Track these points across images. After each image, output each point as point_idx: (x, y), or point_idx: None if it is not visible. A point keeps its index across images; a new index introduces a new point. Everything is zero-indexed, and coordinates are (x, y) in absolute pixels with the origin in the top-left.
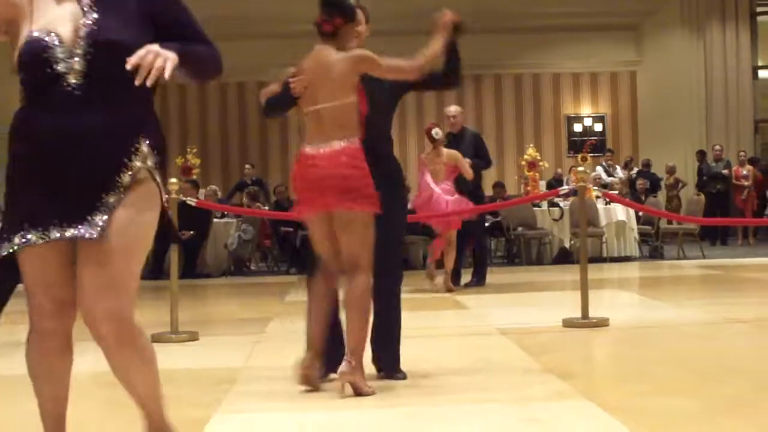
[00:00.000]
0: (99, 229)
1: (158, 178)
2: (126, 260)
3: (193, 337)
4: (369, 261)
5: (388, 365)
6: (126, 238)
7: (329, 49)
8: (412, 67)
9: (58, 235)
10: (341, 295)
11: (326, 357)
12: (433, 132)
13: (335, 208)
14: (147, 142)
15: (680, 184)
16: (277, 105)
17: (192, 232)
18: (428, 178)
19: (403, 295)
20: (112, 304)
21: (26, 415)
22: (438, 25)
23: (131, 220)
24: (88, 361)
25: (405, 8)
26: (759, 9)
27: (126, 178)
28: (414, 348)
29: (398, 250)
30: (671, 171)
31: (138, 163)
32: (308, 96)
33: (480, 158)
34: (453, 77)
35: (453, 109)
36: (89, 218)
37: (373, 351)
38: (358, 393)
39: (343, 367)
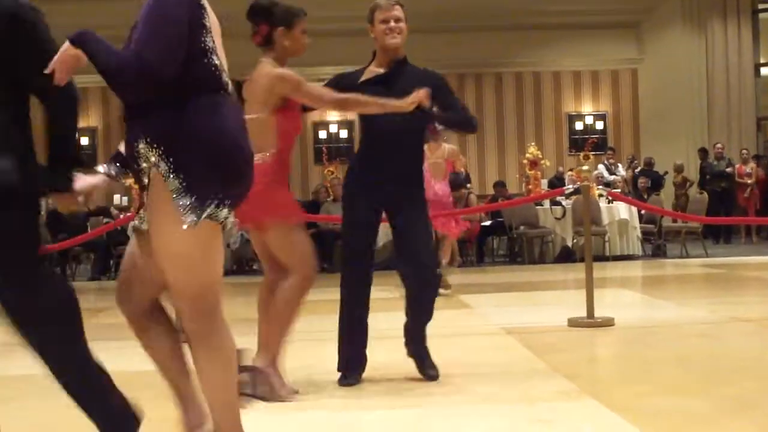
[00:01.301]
0: None
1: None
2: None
3: None
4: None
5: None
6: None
7: (263, 62)
8: (331, 99)
9: None
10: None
11: (353, 359)
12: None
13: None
14: (147, 139)
15: (688, 183)
16: None
17: None
18: (428, 175)
19: (400, 294)
20: None
21: (28, 414)
22: (411, 96)
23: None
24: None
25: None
26: (761, 5)
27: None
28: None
29: None
30: (679, 170)
31: (143, 164)
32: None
33: None
34: (463, 128)
35: None
36: None
37: None
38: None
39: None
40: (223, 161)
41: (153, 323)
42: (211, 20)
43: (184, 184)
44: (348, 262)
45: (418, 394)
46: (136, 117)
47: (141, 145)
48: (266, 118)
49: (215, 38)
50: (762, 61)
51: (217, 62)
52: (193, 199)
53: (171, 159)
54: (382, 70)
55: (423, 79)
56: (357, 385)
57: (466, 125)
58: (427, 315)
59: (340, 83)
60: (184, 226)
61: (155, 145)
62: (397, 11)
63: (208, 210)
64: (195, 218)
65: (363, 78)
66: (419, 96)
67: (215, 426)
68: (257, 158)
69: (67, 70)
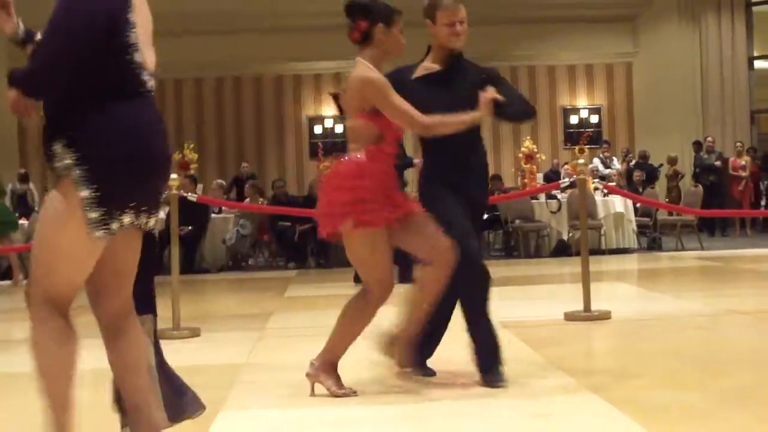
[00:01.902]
0: None
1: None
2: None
3: (194, 333)
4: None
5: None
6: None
7: (360, 62)
8: (419, 124)
9: None
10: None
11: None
12: None
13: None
14: (64, 142)
15: (679, 176)
16: None
17: (190, 227)
18: None
19: (399, 288)
20: None
21: (23, 411)
22: (480, 102)
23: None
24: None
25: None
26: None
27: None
28: None
29: None
30: (672, 162)
31: (57, 165)
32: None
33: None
34: (526, 118)
35: None
36: None
37: None
38: (331, 393)
39: (308, 368)
40: (136, 172)
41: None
42: (141, 15)
43: (96, 194)
44: (470, 266)
45: (415, 390)
46: (53, 116)
47: (57, 147)
48: (363, 124)
49: (142, 34)
50: (756, 54)
51: (138, 60)
52: (102, 212)
53: (86, 167)
54: (437, 67)
55: (479, 73)
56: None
57: (527, 115)
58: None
59: (394, 80)
60: (90, 237)
61: (72, 149)
62: (462, 12)
63: (114, 223)
64: (102, 233)
65: (417, 74)
66: (488, 101)
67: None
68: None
69: (22, 111)
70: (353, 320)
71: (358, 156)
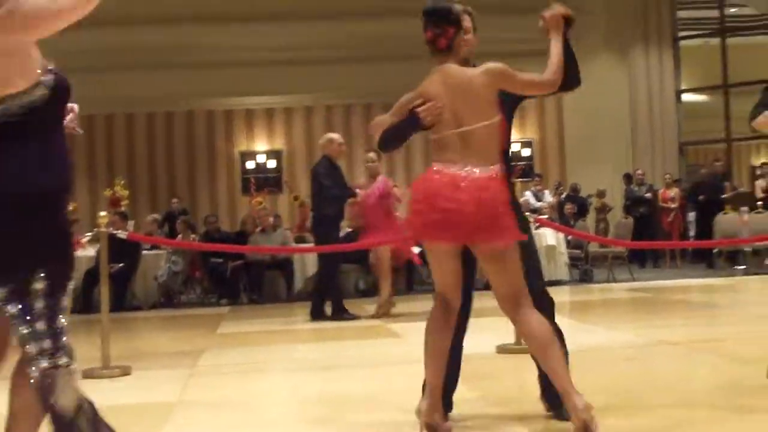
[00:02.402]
0: None
1: None
2: None
3: (125, 371)
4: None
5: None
6: None
7: (454, 66)
8: (548, 81)
9: None
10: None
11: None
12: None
13: (491, 240)
14: None
15: (607, 208)
16: (398, 137)
17: (122, 264)
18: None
19: (336, 324)
20: None
21: None
22: (550, 23)
23: None
24: None
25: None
26: (681, 33)
27: None
28: (347, 379)
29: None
30: (601, 195)
31: None
32: (447, 120)
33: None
34: (573, 78)
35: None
36: None
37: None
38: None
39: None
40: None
41: None
42: None
43: None
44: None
45: (348, 427)
46: None
47: None
48: (498, 122)
49: None
50: (683, 87)
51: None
52: None
53: None
54: None
55: None
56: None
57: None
58: None
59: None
60: None
61: None
62: (467, 22)
63: None
64: None
65: None
66: (557, 13)
67: None
68: (495, 168)
69: None
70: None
71: (496, 169)
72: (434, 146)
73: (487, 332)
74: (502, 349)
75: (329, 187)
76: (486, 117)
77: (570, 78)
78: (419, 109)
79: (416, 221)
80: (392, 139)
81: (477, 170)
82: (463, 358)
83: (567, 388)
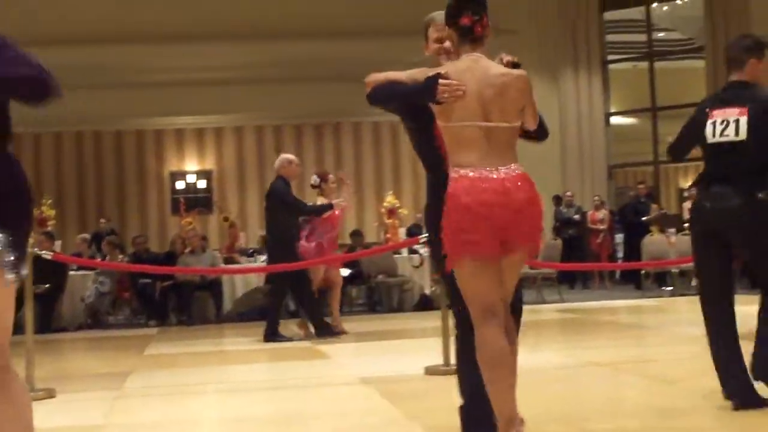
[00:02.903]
0: None
1: None
2: None
3: (50, 394)
4: None
5: None
6: None
7: (488, 60)
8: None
9: None
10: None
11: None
12: (313, 179)
13: (527, 243)
14: None
15: None
16: (397, 96)
17: (48, 285)
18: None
19: (266, 346)
20: None
21: None
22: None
23: None
24: None
25: (270, 57)
26: (610, 57)
27: None
28: (277, 400)
29: None
30: None
31: None
32: (464, 109)
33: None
34: (544, 131)
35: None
36: None
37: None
38: None
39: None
40: (29, 214)
41: None
42: None
43: (9, 239)
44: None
45: None
46: None
47: None
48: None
49: None
50: (612, 110)
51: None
52: (16, 255)
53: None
54: None
55: None
56: None
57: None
58: None
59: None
60: (8, 283)
61: None
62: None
63: (24, 265)
64: (15, 275)
65: None
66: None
67: None
68: (520, 167)
69: None
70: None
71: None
72: (451, 139)
73: (417, 353)
74: (431, 370)
75: (297, 203)
76: (512, 120)
77: (544, 130)
78: (442, 81)
79: (474, 238)
80: (388, 95)
81: (507, 169)
82: (393, 379)
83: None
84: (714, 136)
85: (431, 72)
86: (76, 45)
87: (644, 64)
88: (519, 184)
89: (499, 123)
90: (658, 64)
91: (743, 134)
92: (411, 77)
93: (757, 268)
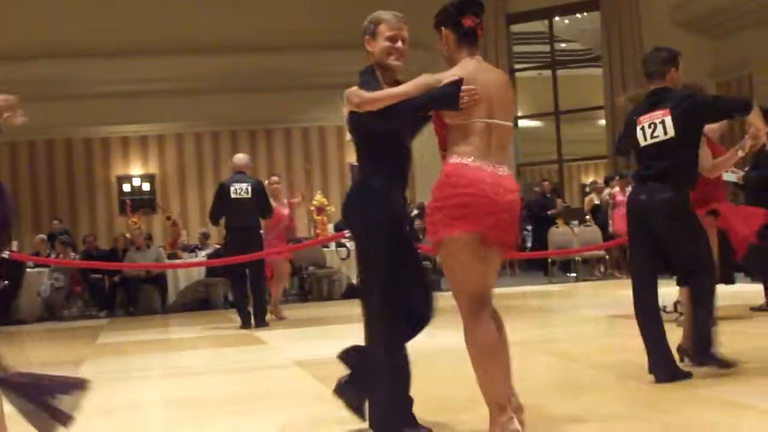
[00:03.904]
0: None
1: None
2: None
3: None
4: None
5: None
6: None
7: (486, 63)
8: None
9: None
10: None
11: None
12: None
13: (511, 238)
14: None
15: None
16: (416, 109)
17: (6, 281)
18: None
19: (205, 333)
20: None
21: None
22: None
23: None
24: None
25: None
26: (517, 66)
27: None
28: (218, 383)
29: None
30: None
31: None
32: (482, 109)
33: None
34: None
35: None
36: None
37: None
38: None
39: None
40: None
41: None
42: None
43: None
44: None
45: (211, 425)
46: None
47: None
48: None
49: None
50: (519, 114)
51: None
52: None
53: None
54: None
55: None
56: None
57: None
58: None
59: None
60: None
61: None
62: (405, 31)
63: None
64: None
65: None
66: None
67: None
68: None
69: None
70: None
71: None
72: (456, 134)
73: (346, 337)
74: None
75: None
76: (510, 119)
77: None
78: (464, 87)
79: (478, 225)
80: (408, 109)
81: (503, 168)
82: (326, 361)
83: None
84: (645, 139)
85: (446, 78)
86: (28, 60)
87: (548, 72)
88: (510, 184)
89: (502, 121)
90: (560, 72)
91: (671, 132)
92: (418, 86)
93: (681, 253)
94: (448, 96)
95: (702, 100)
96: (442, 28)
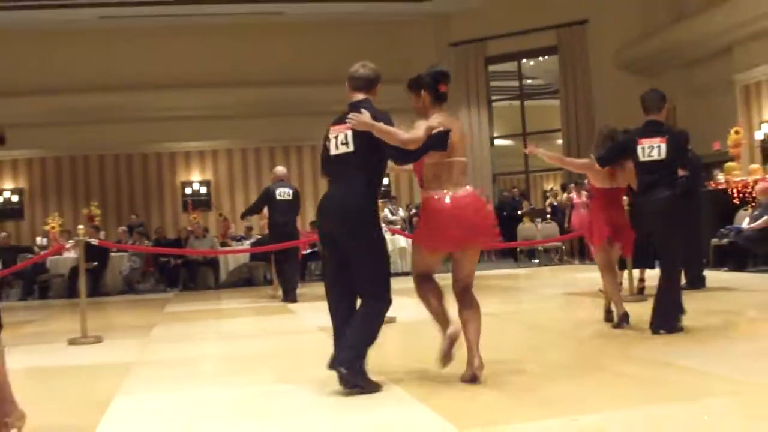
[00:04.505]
0: None
1: None
2: None
3: (98, 340)
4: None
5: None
6: None
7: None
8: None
9: None
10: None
11: None
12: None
13: (477, 243)
14: None
15: None
16: (427, 149)
17: (96, 263)
18: None
19: (249, 305)
20: None
21: None
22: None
23: None
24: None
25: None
26: (494, 97)
27: None
28: (258, 344)
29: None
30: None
31: None
32: (453, 149)
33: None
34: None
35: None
36: None
37: None
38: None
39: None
40: None
41: None
42: None
43: None
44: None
45: (256, 375)
46: None
47: None
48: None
49: None
50: (495, 134)
51: None
52: None
53: None
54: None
55: None
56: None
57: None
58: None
59: None
60: None
61: None
62: None
63: None
64: None
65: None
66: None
67: None
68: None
69: None
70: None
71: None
72: (431, 169)
73: None
74: None
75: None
76: (465, 154)
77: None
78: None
79: (440, 235)
80: (425, 149)
81: (465, 191)
82: None
83: (475, 347)
84: (644, 156)
85: (432, 125)
86: (114, 91)
87: (517, 103)
88: (468, 201)
89: (462, 158)
90: (527, 103)
91: (663, 155)
92: (426, 131)
93: (664, 241)
94: (441, 139)
95: (683, 139)
96: (421, 90)
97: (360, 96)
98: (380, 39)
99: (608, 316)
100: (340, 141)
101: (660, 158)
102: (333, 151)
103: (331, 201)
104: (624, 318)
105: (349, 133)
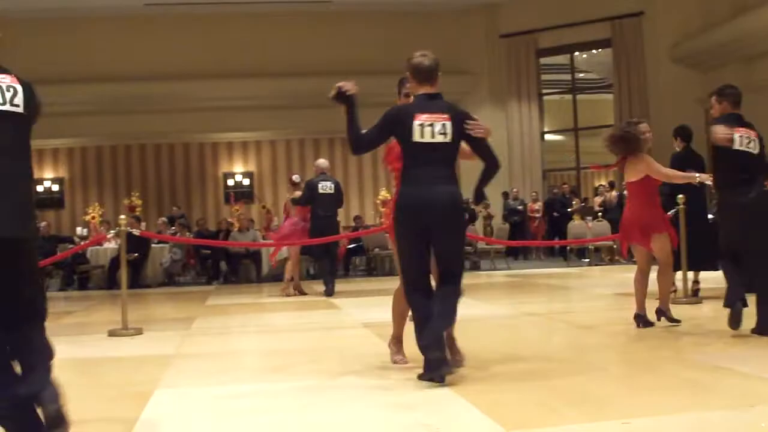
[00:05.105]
0: None
1: None
2: None
3: (139, 331)
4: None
5: None
6: None
7: None
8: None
9: None
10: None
11: None
12: (294, 177)
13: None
14: None
15: (491, 216)
16: None
17: (136, 254)
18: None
19: (290, 299)
20: None
21: None
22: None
23: None
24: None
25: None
26: (544, 91)
27: None
28: (300, 338)
29: None
30: (486, 207)
31: None
32: None
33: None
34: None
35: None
36: None
37: None
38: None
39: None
40: None
41: None
42: None
43: None
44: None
45: (296, 370)
46: None
47: None
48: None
49: None
50: (545, 129)
51: None
52: None
53: None
54: None
55: None
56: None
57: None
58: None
59: None
60: None
61: None
62: None
63: None
64: None
65: None
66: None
67: None
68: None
69: None
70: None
71: None
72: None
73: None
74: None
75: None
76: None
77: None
78: None
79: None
80: None
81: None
82: (387, 324)
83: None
84: (741, 145)
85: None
86: (159, 80)
87: (569, 97)
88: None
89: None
90: (579, 97)
91: (757, 149)
92: None
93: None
94: None
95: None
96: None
97: (429, 88)
98: (429, 30)
99: (658, 317)
100: (438, 130)
101: (755, 152)
102: (427, 138)
103: (434, 193)
104: (640, 319)
105: (448, 123)
